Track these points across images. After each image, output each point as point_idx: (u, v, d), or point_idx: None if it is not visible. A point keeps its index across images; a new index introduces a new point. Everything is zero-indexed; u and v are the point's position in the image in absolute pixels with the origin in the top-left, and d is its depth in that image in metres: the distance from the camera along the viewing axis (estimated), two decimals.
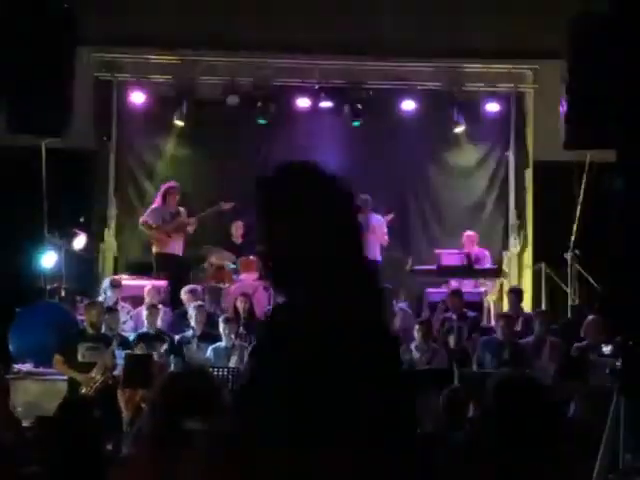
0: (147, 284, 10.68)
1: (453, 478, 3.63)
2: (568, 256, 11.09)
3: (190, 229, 11.65)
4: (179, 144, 13.10)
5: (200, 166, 12.91)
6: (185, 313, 10.06)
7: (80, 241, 11.63)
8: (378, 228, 11.61)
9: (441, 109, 12.81)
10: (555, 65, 10.92)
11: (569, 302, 11.07)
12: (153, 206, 11.72)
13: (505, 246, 13.00)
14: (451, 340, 9.45)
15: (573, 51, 10.06)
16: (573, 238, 11.14)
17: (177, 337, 9.55)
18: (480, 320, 10.67)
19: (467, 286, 11.51)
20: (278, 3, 12.21)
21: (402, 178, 13.21)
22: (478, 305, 11.17)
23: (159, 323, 9.69)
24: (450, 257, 11.55)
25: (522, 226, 12.90)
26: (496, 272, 11.93)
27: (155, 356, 8.90)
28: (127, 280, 11.30)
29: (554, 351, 9.17)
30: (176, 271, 11.45)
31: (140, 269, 11.99)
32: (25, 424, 6.98)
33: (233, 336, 9.37)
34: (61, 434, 4.27)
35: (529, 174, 12.97)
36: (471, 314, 10.38)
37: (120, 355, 8.83)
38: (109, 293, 10.68)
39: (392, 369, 2.05)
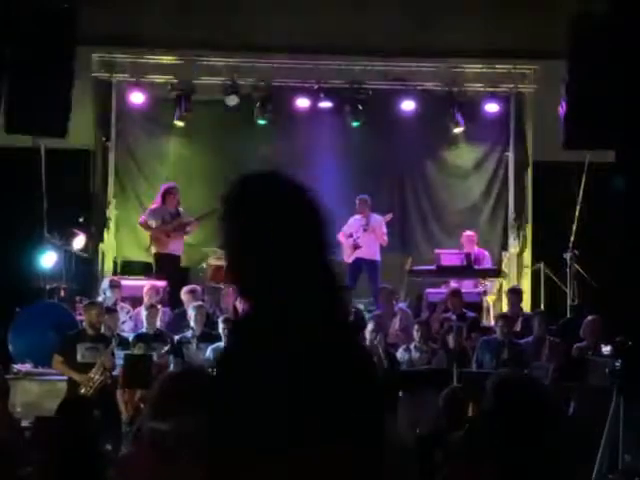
0: (146, 284, 10.67)
1: (453, 478, 3.63)
2: (567, 256, 11.09)
3: (190, 229, 11.66)
4: (179, 144, 13.10)
5: (200, 166, 12.90)
6: (185, 313, 10.05)
7: (79, 241, 11.63)
8: (378, 228, 11.62)
9: (441, 109, 12.81)
10: (555, 65, 10.93)
11: (568, 302, 11.07)
12: (153, 206, 11.72)
13: (504, 246, 13.00)
14: (450, 340, 9.44)
15: (573, 51, 10.07)
16: (572, 238, 11.14)
17: (177, 337, 9.54)
18: (479, 320, 10.67)
19: (467, 286, 11.51)
20: (278, 3, 12.22)
21: (402, 178, 13.23)
22: (477, 305, 11.18)
23: (158, 323, 9.69)
24: (450, 257, 11.56)
25: (521, 226, 12.90)
26: (495, 272, 11.93)
27: (155, 356, 8.90)
28: (126, 280, 11.29)
29: (553, 351, 9.17)
30: (175, 271, 11.45)
31: (139, 269, 11.99)
32: (24, 424, 6.99)
33: None
34: (60, 434, 4.27)
35: (528, 174, 12.98)
36: (470, 314, 10.38)
37: (119, 355, 8.83)
38: (108, 293, 10.68)
39: (361, 377, 2.06)
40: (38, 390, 9.18)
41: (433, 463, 4.96)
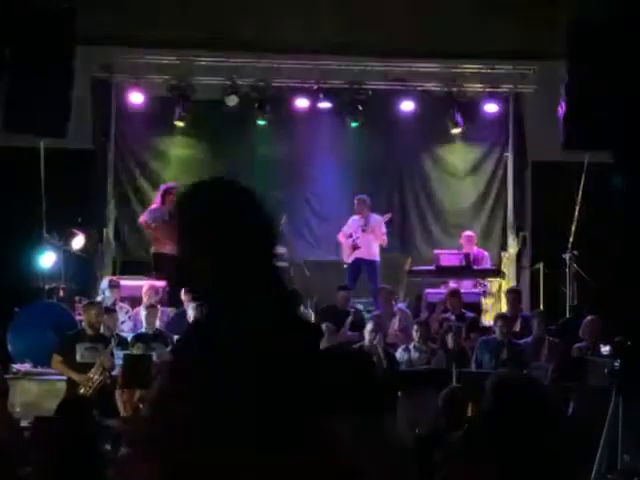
0: (146, 284, 10.67)
1: (452, 478, 3.63)
2: (566, 256, 11.09)
3: None
4: (178, 144, 13.10)
5: (199, 166, 12.89)
6: (184, 313, 10.06)
7: (79, 241, 11.62)
8: (377, 228, 11.61)
9: (440, 110, 12.81)
10: (554, 66, 10.93)
11: (567, 302, 11.07)
12: (152, 206, 11.73)
13: (504, 246, 13.00)
14: (450, 340, 9.44)
15: (572, 52, 10.08)
16: (571, 239, 11.14)
17: (176, 337, 9.54)
18: (479, 320, 10.67)
19: (466, 286, 11.52)
20: (278, 3, 12.21)
21: (401, 178, 13.23)
22: (477, 305, 11.18)
23: (158, 323, 9.69)
24: (449, 257, 11.56)
25: (521, 226, 12.90)
26: (495, 272, 11.94)
27: (154, 356, 8.89)
28: (126, 280, 11.29)
29: (552, 351, 9.17)
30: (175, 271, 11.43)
31: (139, 269, 11.99)
32: (24, 424, 6.99)
33: None
34: (60, 434, 4.27)
35: (528, 174, 12.97)
36: (470, 314, 10.39)
37: (118, 355, 8.83)
38: (108, 293, 10.68)
39: (315, 380, 2.12)
40: (37, 390, 9.18)
41: (432, 463, 4.96)
